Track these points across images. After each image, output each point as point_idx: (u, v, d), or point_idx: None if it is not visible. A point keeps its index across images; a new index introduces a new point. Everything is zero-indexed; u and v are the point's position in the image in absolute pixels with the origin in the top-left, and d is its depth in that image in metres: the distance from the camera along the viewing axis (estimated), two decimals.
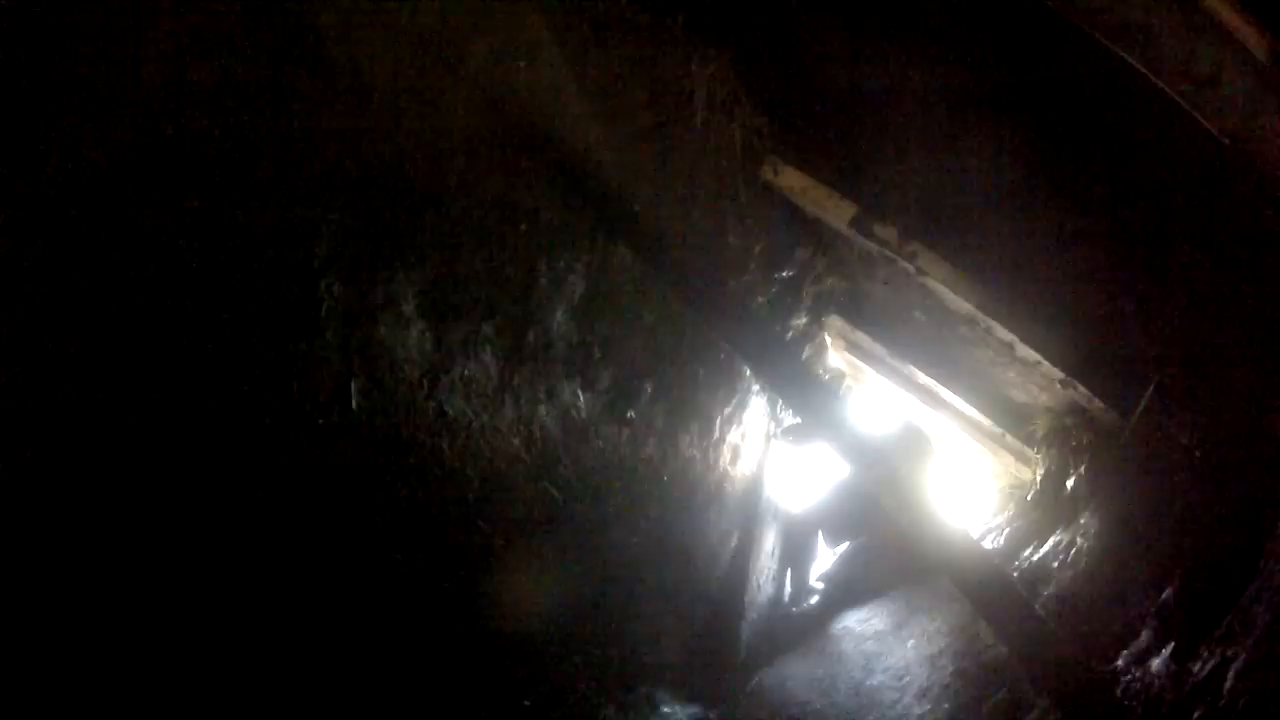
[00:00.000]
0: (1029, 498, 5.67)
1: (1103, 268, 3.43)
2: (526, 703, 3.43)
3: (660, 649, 4.72)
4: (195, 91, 1.89)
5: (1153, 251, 3.24)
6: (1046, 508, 5.21)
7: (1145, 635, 3.36)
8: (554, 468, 3.40)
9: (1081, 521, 4.60)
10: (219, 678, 2.16)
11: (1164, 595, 3.35)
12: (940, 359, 5.19)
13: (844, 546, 7.33)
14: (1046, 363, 3.95)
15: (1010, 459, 5.96)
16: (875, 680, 5.12)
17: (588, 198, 3.13)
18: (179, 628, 2.07)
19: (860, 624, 6.26)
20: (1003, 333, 3.93)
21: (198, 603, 2.11)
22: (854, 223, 3.86)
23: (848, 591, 6.71)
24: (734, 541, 5.83)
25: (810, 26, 3.45)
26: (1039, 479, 5.48)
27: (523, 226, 2.89)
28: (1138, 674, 3.24)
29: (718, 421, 4.82)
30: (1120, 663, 3.42)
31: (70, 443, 1.82)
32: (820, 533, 7.44)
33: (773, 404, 5.96)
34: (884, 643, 5.61)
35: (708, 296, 3.50)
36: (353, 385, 2.39)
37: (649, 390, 3.87)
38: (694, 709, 4.79)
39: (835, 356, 6.63)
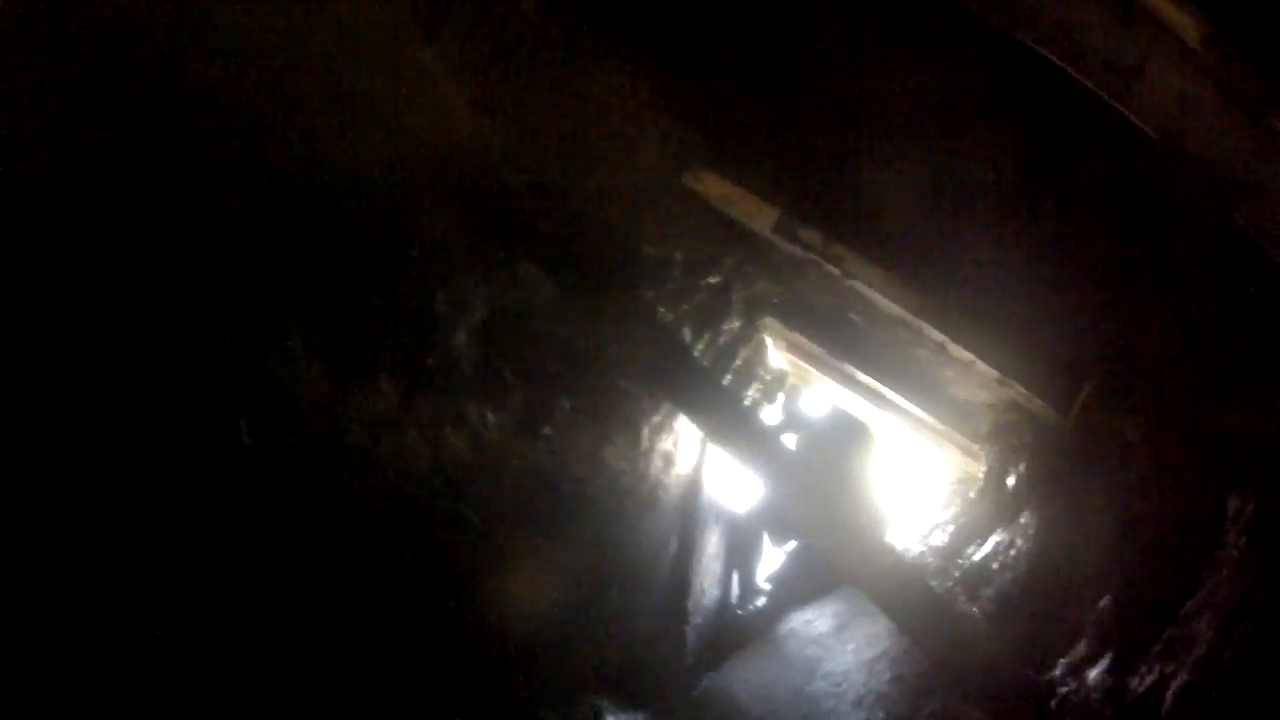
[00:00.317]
0: (972, 495, 5.60)
1: (1035, 267, 3.34)
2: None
3: (603, 659, 4.67)
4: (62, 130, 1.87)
5: (1086, 251, 3.13)
6: (989, 505, 5.13)
7: (1083, 644, 3.26)
8: (467, 490, 3.32)
9: (1022, 521, 4.51)
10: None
11: (1102, 603, 3.24)
12: (879, 359, 5.12)
13: (790, 545, 7.23)
14: (981, 362, 3.85)
15: (958, 454, 5.90)
16: (816, 686, 5.04)
17: (488, 217, 3.03)
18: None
19: (806, 625, 6.20)
20: (934, 333, 3.83)
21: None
22: (778, 228, 3.76)
23: (795, 591, 6.67)
24: (673, 547, 5.74)
25: (728, 36, 3.32)
26: (982, 476, 5.40)
27: (415, 252, 2.85)
28: (1074, 685, 3.13)
29: (646, 431, 4.71)
30: (1057, 672, 3.32)
31: None
32: (765, 533, 7.33)
33: None
34: (826, 646, 5.54)
35: (620, 311, 3.41)
36: (242, 422, 2.37)
37: (567, 406, 3.78)
38: (639, 716, 4.74)
39: (777, 356, 6.52)
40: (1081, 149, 2.80)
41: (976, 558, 4.81)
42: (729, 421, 3.91)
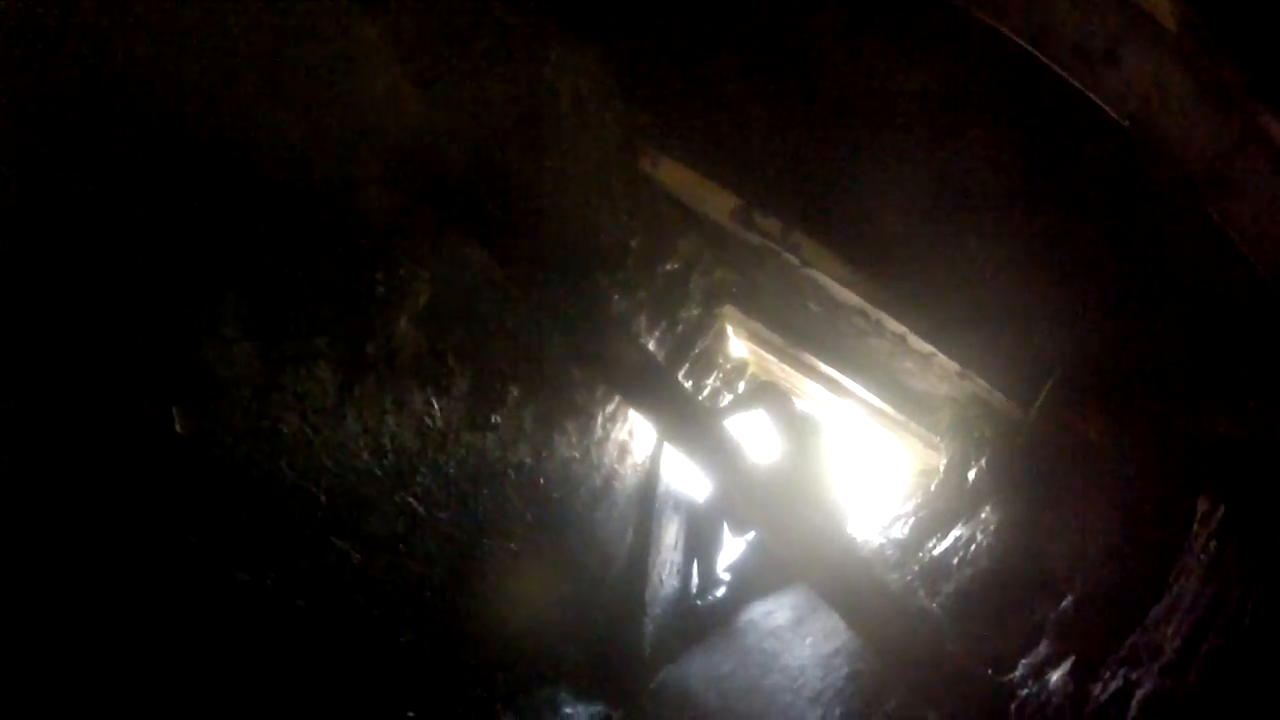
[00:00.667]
0: (933, 487, 5.55)
1: (999, 262, 3.24)
2: (411, 714, 3.33)
3: (560, 651, 4.62)
4: None
5: (1051, 246, 3.04)
6: (950, 499, 5.08)
7: (1044, 646, 3.19)
8: (411, 478, 3.21)
9: (982, 516, 4.46)
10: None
11: (1064, 604, 3.18)
12: (837, 348, 5.06)
13: (750, 534, 7.15)
14: (941, 355, 3.77)
15: (920, 446, 5.86)
16: (772, 680, 4.97)
17: (431, 199, 2.90)
18: None
19: (765, 617, 6.13)
20: (894, 325, 3.74)
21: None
22: (734, 215, 3.67)
23: (754, 582, 6.60)
24: (629, 538, 5.65)
25: (682, 19, 3.20)
26: (943, 468, 5.34)
27: (353, 232, 2.71)
28: (1035, 688, 3.06)
29: (599, 420, 4.60)
30: (1018, 673, 3.25)
31: None
32: (725, 522, 7.25)
33: None
34: (784, 639, 5.47)
35: (572, 298, 3.28)
36: (174, 409, 2.27)
37: (515, 394, 3.65)
38: (596, 708, 4.71)
39: (738, 345, 6.43)
40: (1047, 139, 2.69)
41: (936, 552, 4.75)
42: (674, 409, 3.78)
